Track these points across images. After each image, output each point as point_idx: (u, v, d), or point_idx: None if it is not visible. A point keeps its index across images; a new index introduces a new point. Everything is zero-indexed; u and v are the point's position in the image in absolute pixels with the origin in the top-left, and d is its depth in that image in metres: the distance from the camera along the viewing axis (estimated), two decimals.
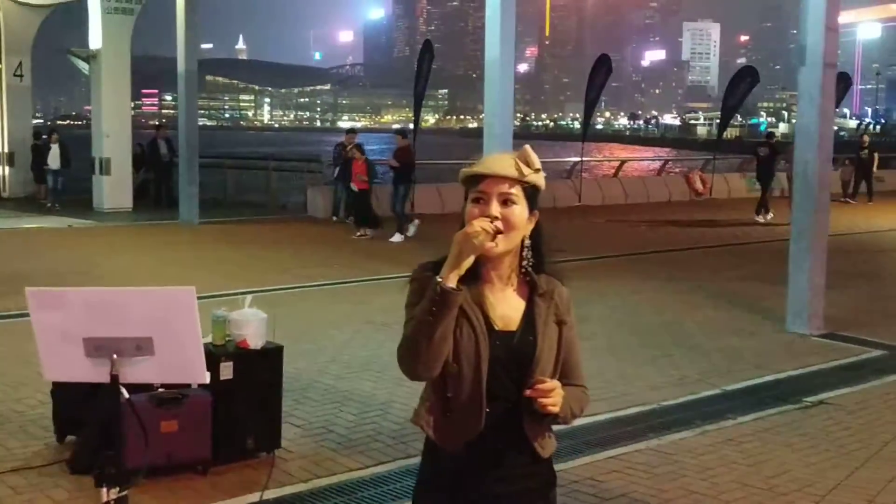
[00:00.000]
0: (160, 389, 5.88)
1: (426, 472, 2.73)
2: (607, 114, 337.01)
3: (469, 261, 2.47)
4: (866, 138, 30.84)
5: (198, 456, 5.91)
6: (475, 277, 2.56)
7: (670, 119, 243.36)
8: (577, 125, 39.77)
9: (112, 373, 2.57)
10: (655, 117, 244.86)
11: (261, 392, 6.16)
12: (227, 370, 6.04)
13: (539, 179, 2.62)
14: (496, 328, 2.57)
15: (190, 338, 2.57)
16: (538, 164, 2.61)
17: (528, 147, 2.64)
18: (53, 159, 23.37)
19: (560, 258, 10.93)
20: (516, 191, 2.57)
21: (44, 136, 24.96)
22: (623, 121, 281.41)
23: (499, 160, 2.60)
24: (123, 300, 2.57)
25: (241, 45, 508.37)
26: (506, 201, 2.56)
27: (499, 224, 2.53)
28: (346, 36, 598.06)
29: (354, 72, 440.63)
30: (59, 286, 3.12)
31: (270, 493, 5.66)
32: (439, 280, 2.45)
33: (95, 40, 22.49)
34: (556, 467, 6.01)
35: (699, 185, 28.86)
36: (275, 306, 10.84)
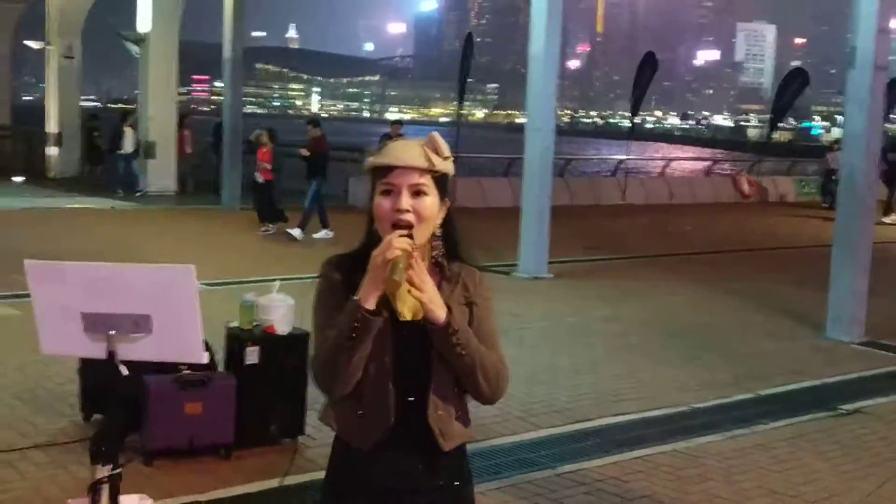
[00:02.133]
0: (186, 372, 5.89)
1: (332, 472, 2.64)
2: (658, 112, 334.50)
3: (395, 289, 2.36)
4: None
5: (220, 440, 5.91)
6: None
7: (722, 120, 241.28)
8: (625, 123, 39.68)
9: (109, 349, 2.55)
10: (707, 118, 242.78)
11: (286, 378, 6.14)
12: (252, 355, 6.03)
13: (449, 167, 2.51)
14: (404, 319, 2.44)
15: (188, 317, 2.53)
16: (447, 152, 2.51)
17: (435, 134, 2.54)
18: (128, 143, 22.59)
19: (599, 255, 10.84)
20: (427, 181, 2.46)
21: (107, 119, 24.80)
22: (674, 120, 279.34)
23: (407, 149, 2.48)
24: (122, 276, 2.54)
25: (292, 33, 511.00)
26: (417, 192, 2.45)
27: (411, 217, 2.43)
28: (396, 28, 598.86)
29: (404, 63, 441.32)
30: None
31: (291, 479, 5.65)
32: (359, 303, 2.36)
33: (144, 24, 22.67)
34: (581, 465, 6.02)
35: (746, 188, 28.52)
36: (304, 293, 10.89)
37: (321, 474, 5.87)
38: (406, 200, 2.43)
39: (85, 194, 21.91)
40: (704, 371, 8.64)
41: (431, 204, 2.47)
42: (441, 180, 2.50)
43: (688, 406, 7.55)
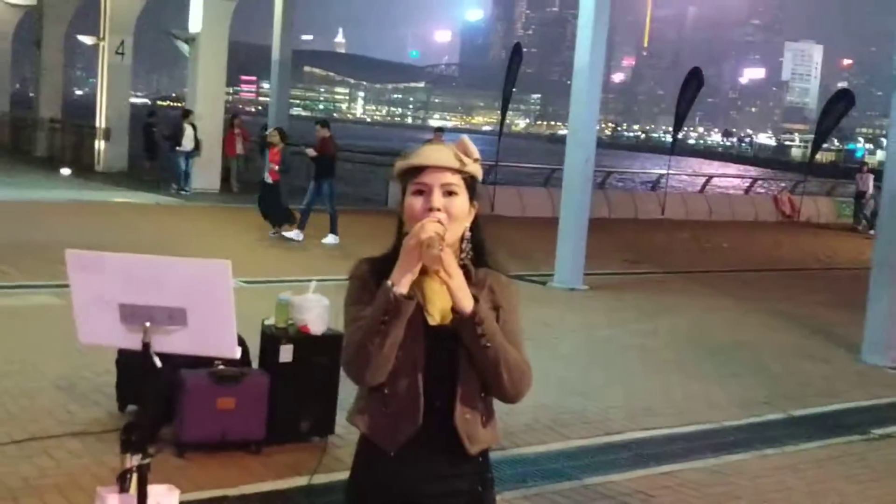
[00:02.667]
0: (220, 366, 5.97)
1: (356, 472, 2.66)
2: (701, 129, 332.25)
3: (417, 264, 2.40)
4: None
5: (252, 435, 5.97)
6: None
7: (765, 139, 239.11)
8: (668, 138, 39.46)
9: (144, 340, 2.60)
10: (750, 136, 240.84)
11: (318, 377, 6.19)
12: (286, 353, 6.10)
13: (477, 170, 2.55)
14: (433, 322, 2.47)
15: (223, 311, 2.57)
16: (477, 154, 2.55)
17: (465, 137, 2.60)
18: (188, 141, 22.43)
19: (637, 270, 10.83)
20: (458, 181, 2.50)
21: (158, 115, 24.65)
22: (716, 137, 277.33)
23: (438, 150, 2.52)
24: (160, 269, 2.58)
25: (340, 38, 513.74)
26: (448, 192, 2.49)
27: (443, 216, 2.46)
28: (443, 35, 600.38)
29: (449, 71, 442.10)
30: None
31: (319, 478, 5.69)
32: (392, 286, 2.39)
33: (195, 24, 22.93)
34: (608, 478, 6.02)
35: (787, 207, 28.33)
36: (340, 293, 10.95)
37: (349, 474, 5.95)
38: (438, 199, 2.46)
39: (130, 189, 22.20)
40: (738, 389, 8.60)
41: (462, 204, 2.50)
42: (470, 183, 2.54)
43: (719, 423, 7.52)
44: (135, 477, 2.71)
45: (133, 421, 2.92)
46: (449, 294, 2.42)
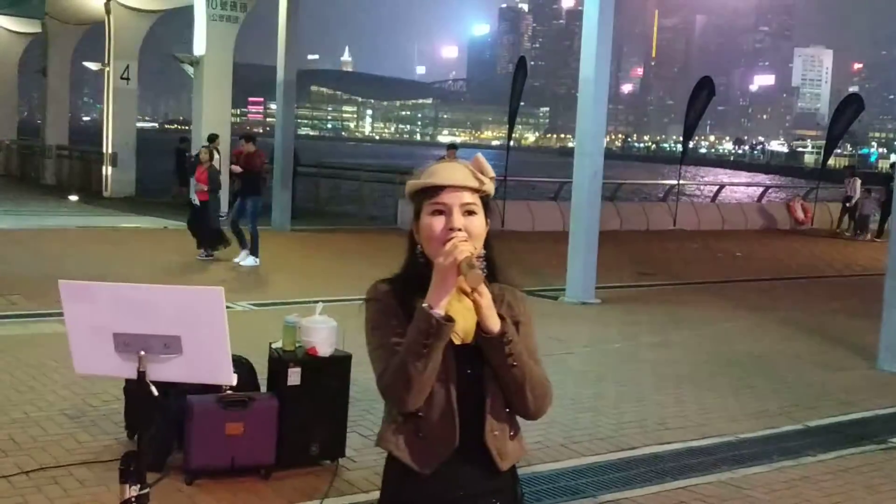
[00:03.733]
0: (228, 392, 5.93)
1: (388, 494, 2.60)
2: (712, 137, 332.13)
3: (454, 285, 2.37)
4: None
5: (261, 460, 5.92)
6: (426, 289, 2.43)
7: (777, 146, 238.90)
8: (679, 148, 39.31)
9: (140, 369, 2.57)
10: (762, 143, 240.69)
11: (327, 399, 6.14)
12: (294, 376, 6.04)
13: (492, 188, 2.54)
14: (457, 341, 2.45)
15: (217, 338, 2.54)
16: (492, 172, 2.53)
17: (479, 155, 2.56)
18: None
19: (650, 282, 10.74)
20: (476, 200, 2.48)
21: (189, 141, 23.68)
22: (728, 145, 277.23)
23: (455, 170, 2.49)
24: (152, 297, 2.56)
25: (346, 57, 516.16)
26: (468, 212, 2.47)
27: (464, 236, 2.42)
28: (449, 51, 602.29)
29: (457, 87, 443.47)
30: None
31: (330, 502, 5.64)
32: (429, 309, 2.36)
33: (200, 46, 23.02)
34: (623, 494, 5.94)
35: (800, 214, 28.20)
36: (355, 315, 10.92)
37: (360, 497, 5.91)
38: (459, 219, 2.44)
39: (138, 213, 22.24)
40: (753, 401, 8.50)
41: (480, 223, 2.49)
42: (486, 201, 2.53)
43: (735, 436, 7.42)
44: None
45: (131, 450, 2.88)
46: (476, 312, 2.42)
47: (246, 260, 15.15)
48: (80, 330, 2.60)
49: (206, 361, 2.58)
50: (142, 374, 2.58)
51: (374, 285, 2.57)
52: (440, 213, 2.46)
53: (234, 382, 2.65)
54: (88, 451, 6.28)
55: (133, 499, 2.67)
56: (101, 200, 25.53)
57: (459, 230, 2.42)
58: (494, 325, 2.41)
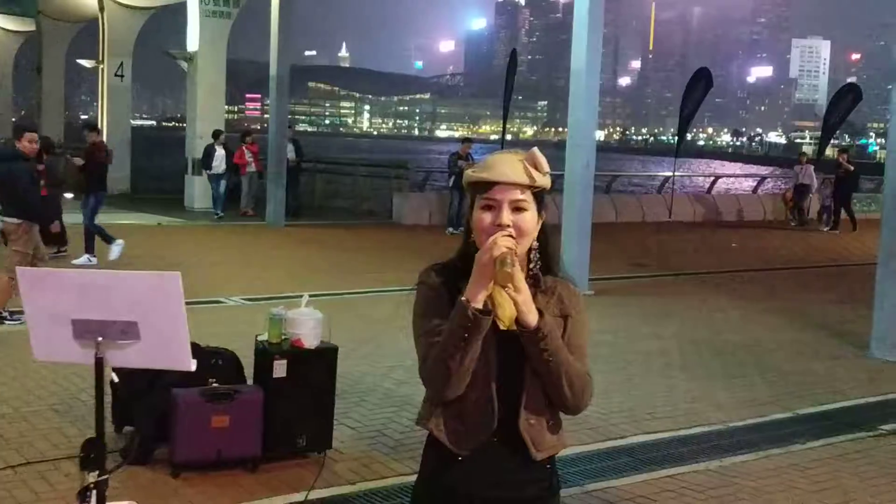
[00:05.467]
0: (213, 384, 5.93)
1: (425, 477, 2.68)
2: (710, 129, 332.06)
3: (491, 280, 2.40)
4: (845, 156, 25.16)
5: (248, 452, 5.92)
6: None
7: (775, 137, 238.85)
8: (676, 140, 39.49)
9: (97, 355, 2.57)
10: (760, 135, 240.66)
11: (313, 391, 6.14)
12: (280, 368, 6.04)
13: (547, 182, 2.54)
14: (502, 327, 2.47)
15: (175, 324, 2.54)
16: (547, 168, 2.53)
17: (536, 150, 2.55)
18: (219, 163, 21.33)
19: (643, 273, 10.73)
20: (527, 197, 2.50)
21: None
22: (726, 137, 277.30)
23: (508, 164, 2.50)
24: (109, 283, 2.56)
25: (343, 52, 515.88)
26: (517, 208, 2.48)
27: (511, 232, 2.45)
28: (447, 46, 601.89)
29: (454, 81, 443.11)
30: None
31: (317, 493, 5.64)
32: (468, 302, 2.39)
33: (193, 43, 23.00)
34: (611, 483, 5.94)
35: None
36: (346, 309, 10.97)
37: (347, 488, 5.91)
38: (507, 216, 2.46)
39: (132, 210, 22.20)
40: (744, 390, 8.51)
41: (531, 219, 2.50)
42: (539, 195, 2.54)
43: (724, 425, 7.43)
44: (94, 494, 2.67)
45: (91, 438, 2.88)
46: (514, 307, 2.44)
47: (80, 258, 14.13)
48: (40, 317, 2.60)
49: (164, 347, 2.58)
50: (99, 361, 2.57)
51: (426, 270, 2.61)
52: (490, 207, 2.48)
53: (193, 368, 2.64)
54: (75, 445, 6.23)
55: (92, 485, 2.67)
56: None
57: (508, 226, 2.44)
58: (532, 320, 2.43)
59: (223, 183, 21.56)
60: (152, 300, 2.53)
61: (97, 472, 2.67)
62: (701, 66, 27.96)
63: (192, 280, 12.90)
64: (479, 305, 2.39)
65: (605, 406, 7.76)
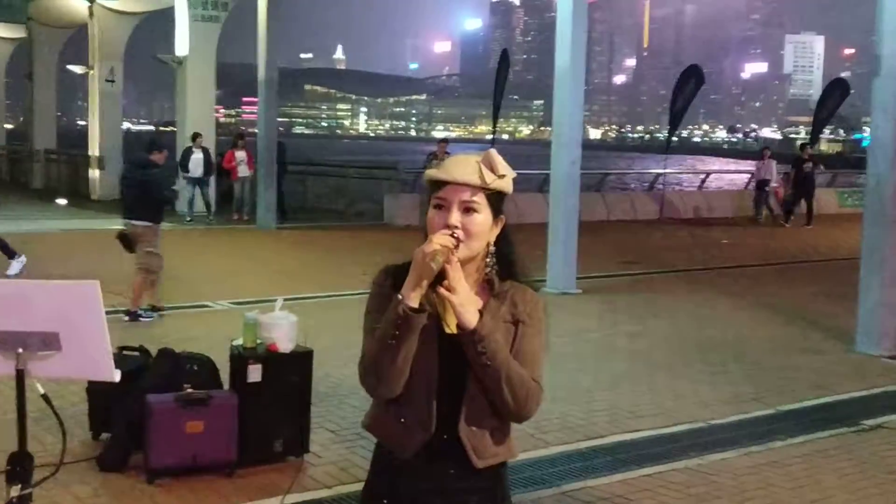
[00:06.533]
0: (188, 390, 5.91)
1: (370, 479, 2.68)
2: (705, 126, 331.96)
3: (430, 278, 2.38)
4: (808, 150, 24.91)
5: (223, 457, 5.90)
6: (438, 281, 2.44)
7: (770, 133, 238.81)
8: (673, 138, 39.51)
9: (17, 367, 2.54)
10: (755, 130, 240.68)
11: (289, 395, 6.13)
12: (255, 373, 6.03)
13: (504, 185, 2.51)
14: (448, 331, 2.46)
15: (96, 334, 2.52)
16: (503, 170, 2.50)
17: (492, 151, 2.54)
18: (196, 166, 20.92)
19: (633, 271, 10.68)
20: (479, 198, 2.48)
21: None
22: (722, 133, 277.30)
23: (461, 165, 2.49)
24: (26, 293, 2.53)
25: (339, 54, 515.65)
26: (467, 209, 2.47)
27: (459, 233, 2.44)
28: (442, 46, 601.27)
29: (450, 82, 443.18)
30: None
31: (292, 498, 5.62)
32: (401, 300, 2.37)
33: (182, 47, 22.97)
34: (588, 483, 5.92)
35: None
36: (335, 311, 10.93)
37: (324, 492, 5.89)
38: (455, 216, 2.46)
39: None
40: (727, 386, 8.49)
41: (482, 221, 2.48)
42: (495, 198, 2.51)
43: (705, 422, 7.41)
44: None
45: (17, 451, 2.87)
46: (451, 307, 2.42)
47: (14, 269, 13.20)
48: None
49: (87, 358, 2.55)
50: (20, 372, 2.55)
51: (380, 270, 2.60)
52: (441, 207, 2.48)
53: (117, 379, 2.61)
54: (51, 452, 6.22)
55: (15, 499, 2.65)
56: (89, 203, 25.44)
57: (456, 227, 2.44)
58: (467, 322, 2.40)
59: (202, 188, 21.33)
60: (72, 310, 2.51)
61: (20, 486, 2.65)
62: (691, 64, 27.92)
63: (180, 284, 12.96)
64: (413, 304, 2.37)
65: (588, 405, 7.75)
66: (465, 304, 2.41)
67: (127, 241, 10.68)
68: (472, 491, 2.56)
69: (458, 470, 2.53)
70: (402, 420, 2.51)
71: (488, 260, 2.55)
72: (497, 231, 2.55)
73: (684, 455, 6.58)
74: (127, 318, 10.40)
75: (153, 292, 10.87)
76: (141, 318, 10.54)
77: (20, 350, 2.54)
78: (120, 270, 13.47)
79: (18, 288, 2.55)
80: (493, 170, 2.48)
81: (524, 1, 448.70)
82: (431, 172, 2.52)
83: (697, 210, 26.57)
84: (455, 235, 2.42)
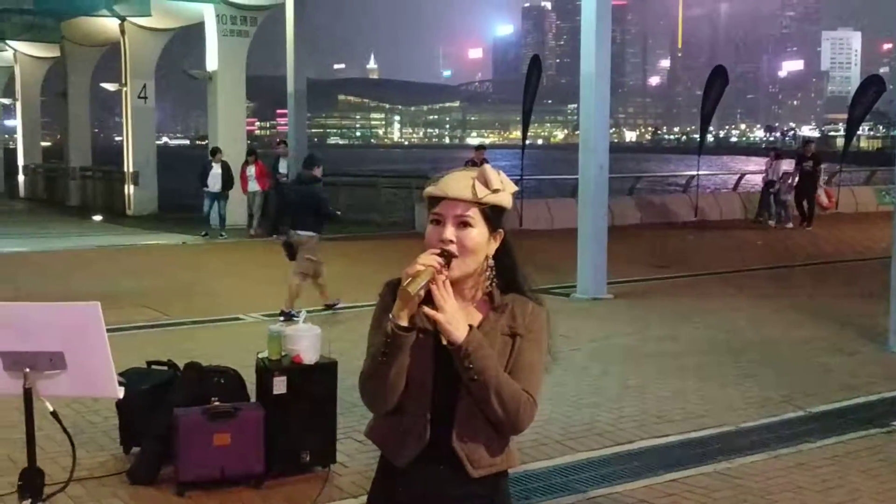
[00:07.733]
0: (215, 403, 5.99)
1: (372, 486, 2.73)
2: (742, 126, 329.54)
3: (419, 296, 2.40)
4: (812, 147, 24.60)
5: (251, 470, 5.97)
6: (428, 298, 2.46)
7: (808, 131, 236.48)
8: (710, 138, 39.04)
9: (25, 386, 2.62)
10: (793, 129, 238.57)
11: (315, 406, 6.17)
12: (280, 385, 6.08)
13: (500, 199, 2.54)
14: (443, 342, 2.48)
15: (99, 353, 2.59)
16: (497, 185, 2.52)
17: (487, 167, 2.57)
18: (214, 181, 20.99)
19: (666, 275, 10.63)
20: (472, 213, 2.50)
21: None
22: (759, 133, 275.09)
23: (455, 181, 2.53)
24: (31, 315, 2.61)
25: (372, 64, 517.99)
26: (462, 224, 2.50)
27: (453, 248, 2.47)
28: (475, 52, 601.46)
29: (483, 88, 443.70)
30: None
31: None
32: (391, 319, 2.41)
33: (212, 62, 23.23)
34: (613, 489, 5.91)
35: (824, 200, 27.79)
36: (365, 321, 10.96)
37: (352, 502, 5.93)
38: (450, 231, 2.49)
39: (159, 231, 22.42)
40: (757, 389, 8.44)
41: (476, 236, 2.50)
42: (490, 213, 2.53)
43: (735, 426, 7.37)
44: None
45: (29, 467, 2.93)
46: (437, 324, 2.44)
47: None
48: None
49: (91, 376, 2.62)
50: (28, 392, 2.62)
51: (384, 284, 2.63)
52: (437, 222, 2.51)
53: (121, 396, 2.68)
54: (84, 468, 6.33)
55: None
56: (125, 219, 25.77)
57: (451, 242, 2.46)
58: (455, 338, 2.42)
59: (220, 202, 21.26)
60: (75, 330, 2.58)
61: (30, 500, 2.72)
62: (717, 65, 27.73)
63: (213, 298, 13.11)
64: (403, 322, 2.40)
65: (617, 411, 7.74)
66: (453, 321, 2.42)
67: (291, 249, 11.62)
68: (468, 499, 2.58)
69: (454, 478, 2.55)
70: (398, 429, 2.56)
71: (488, 273, 2.57)
72: (496, 245, 2.58)
73: (712, 459, 6.55)
74: (282, 318, 10.75)
75: (324, 293, 11.93)
76: (294, 318, 10.58)
77: (27, 370, 2.61)
78: (153, 286, 13.65)
79: (26, 310, 2.63)
80: (486, 185, 2.51)
81: (556, 5, 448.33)
82: (428, 189, 2.56)
83: (731, 211, 26.38)
84: (449, 250, 2.45)
